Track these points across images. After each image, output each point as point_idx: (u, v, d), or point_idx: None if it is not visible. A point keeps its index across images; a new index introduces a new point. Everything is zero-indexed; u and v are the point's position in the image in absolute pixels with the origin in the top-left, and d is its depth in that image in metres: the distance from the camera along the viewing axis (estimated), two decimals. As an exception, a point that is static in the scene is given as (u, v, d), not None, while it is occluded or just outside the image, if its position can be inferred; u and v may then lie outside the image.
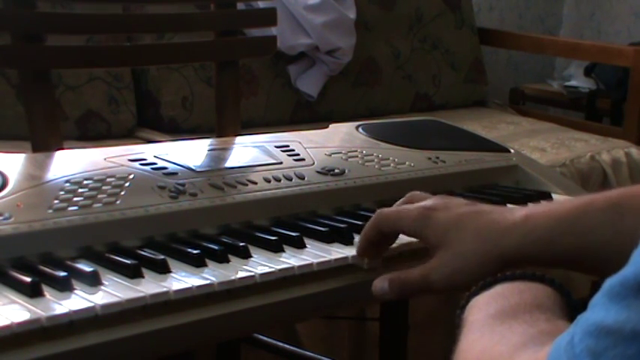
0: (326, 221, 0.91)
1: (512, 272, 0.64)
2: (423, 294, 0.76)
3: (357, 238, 0.85)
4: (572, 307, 0.60)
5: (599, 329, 0.41)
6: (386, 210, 0.80)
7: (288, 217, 0.92)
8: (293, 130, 1.16)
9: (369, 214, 0.93)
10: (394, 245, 0.84)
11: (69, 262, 0.74)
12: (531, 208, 0.75)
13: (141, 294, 0.67)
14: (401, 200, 0.83)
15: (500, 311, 0.58)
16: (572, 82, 3.22)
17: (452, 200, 0.79)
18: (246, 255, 0.78)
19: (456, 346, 0.56)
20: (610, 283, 0.43)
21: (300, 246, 0.82)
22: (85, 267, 0.72)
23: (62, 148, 1.12)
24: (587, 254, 0.70)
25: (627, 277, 0.41)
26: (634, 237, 0.68)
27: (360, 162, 1.05)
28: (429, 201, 0.78)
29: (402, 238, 0.83)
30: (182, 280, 0.71)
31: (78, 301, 0.65)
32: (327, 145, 1.08)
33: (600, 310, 0.42)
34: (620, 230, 0.69)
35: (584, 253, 0.70)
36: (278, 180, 0.94)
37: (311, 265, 0.78)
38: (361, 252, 0.81)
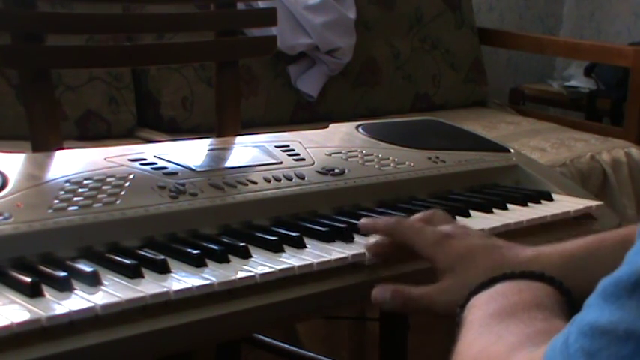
0: (326, 221, 0.91)
1: (512, 271, 0.64)
2: (423, 313, 0.77)
3: (357, 238, 0.85)
4: (572, 305, 0.60)
5: (593, 329, 0.41)
6: (406, 222, 0.81)
7: (288, 217, 0.92)
8: (293, 130, 1.16)
9: (369, 214, 0.93)
10: None
11: (69, 262, 0.74)
12: (542, 247, 0.75)
13: (141, 294, 0.67)
14: (421, 215, 0.83)
15: (499, 310, 0.58)
16: (572, 82, 3.21)
17: (469, 230, 0.80)
18: (246, 255, 0.79)
19: (455, 346, 0.57)
20: (604, 283, 0.43)
21: (300, 246, 0.82)
22: (85, 267, 0.72)
23: (62, 148, 1.12)
24: None
25: (621, 278, 0.42)
26: None
27: (360, 162, 1.05)
28: (448, 227, 0.79)
29: None
30: (182, 280, 0.71)
31: (78, 301, 0.66)
32: (327, 145, 1.08)
33: (594, 311, 0.42)
34: None
35: None
36: (278, 180, 0.94)
37: (311, 265, 0.78)
38: (370, 247, 0.82)
